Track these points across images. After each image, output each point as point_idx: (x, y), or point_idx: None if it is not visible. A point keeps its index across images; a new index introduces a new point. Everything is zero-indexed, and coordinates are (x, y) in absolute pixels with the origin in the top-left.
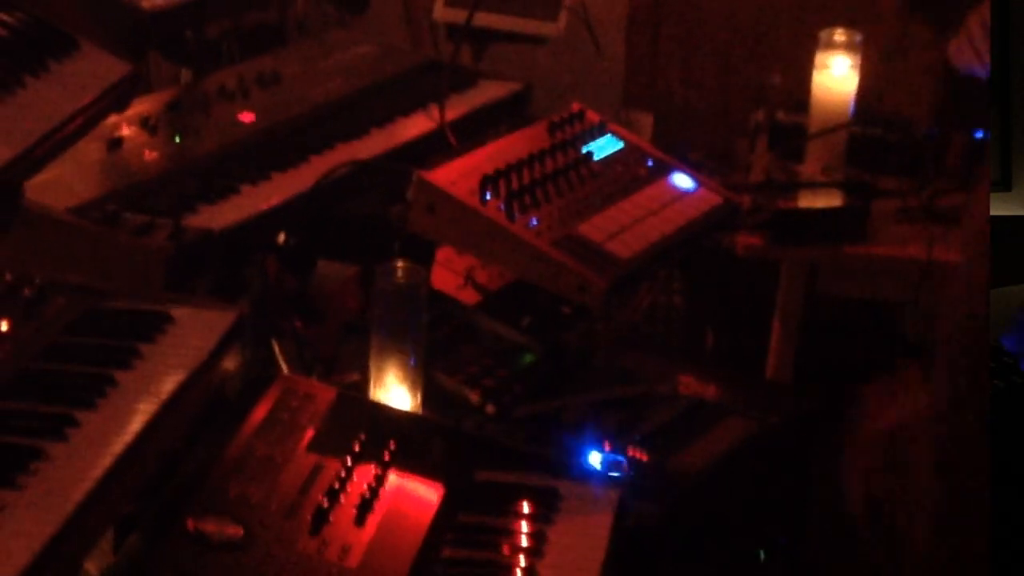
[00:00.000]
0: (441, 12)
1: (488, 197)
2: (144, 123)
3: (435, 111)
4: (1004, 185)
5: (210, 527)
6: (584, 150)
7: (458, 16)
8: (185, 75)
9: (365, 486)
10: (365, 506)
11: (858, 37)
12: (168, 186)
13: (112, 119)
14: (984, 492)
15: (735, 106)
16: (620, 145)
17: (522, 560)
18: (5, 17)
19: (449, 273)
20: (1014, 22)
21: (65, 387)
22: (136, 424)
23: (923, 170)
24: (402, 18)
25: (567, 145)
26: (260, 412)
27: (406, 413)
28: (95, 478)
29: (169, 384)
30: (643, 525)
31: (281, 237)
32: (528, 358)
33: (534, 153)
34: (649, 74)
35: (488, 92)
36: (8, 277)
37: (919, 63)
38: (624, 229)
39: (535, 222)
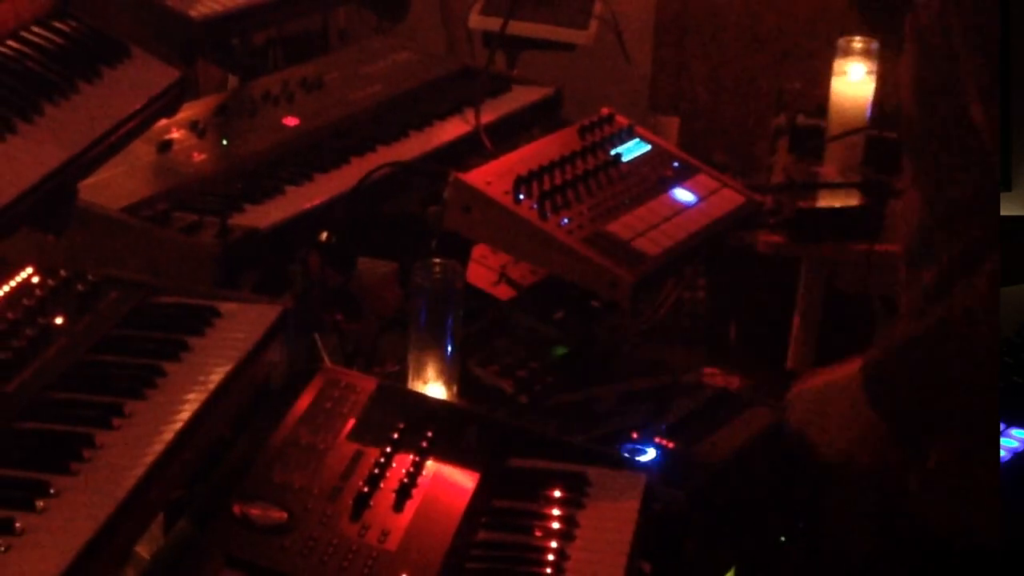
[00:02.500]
0: (477, 20)
1: (521, 197)
2: (193, 127)
3: (471, 115)
4: (1004, 185)
5: (256, 511)
6: (613, 152)
7: (493, 24)
8: (232, 81)
9: (404, 473)
10: (404, 492)
11: (874, 44)
12: (216, 186)
13: (162, 123)
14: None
15: (757, 110)
16: (647, 148)
17: (553, 543)
18: (61, 26)
19: (484, 269)
20: (1014, 22)
21: (117, 378)
22: (185, 413)
23: None
24: (439, 26)
25: (597, 148)
26: (303, 402)
27: (443, 403)
28: (146, 464)
29: (216, 375)
30: (669, 510)
31: (324, 235)
32: (559, 350)
33: (565, 155)
34: (675, 80)
35: (521, 97)
36: (63, 273)
37: None
38: (651, 228)
39: (566, 221)
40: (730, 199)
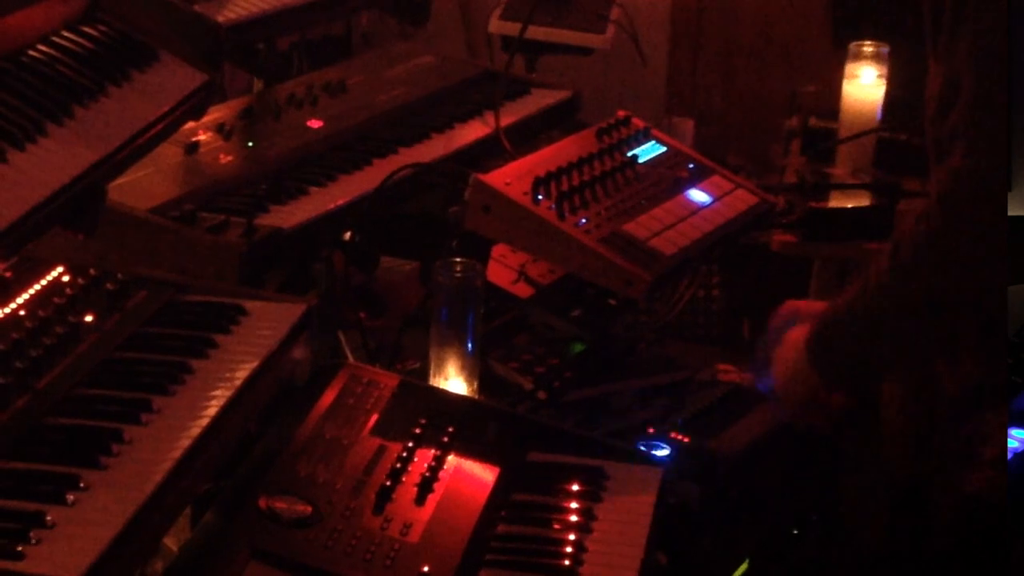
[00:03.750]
0: (496, 25)
1: (540, 198)
2: (219, 129)
3: (490, 118)
4: None
5: (281, 505)
6: (629, 154)
7: (512, 29)
8: (257, 84)
9: (425, 467)
10: (425, 486)
11: (885, 49)
12: (241, 187)
13: (189, 125)
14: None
15: (770, 113)
16: (663, 149)
17: (572, 536)
18: (90, 31)
19: (504, 268)
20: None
21: (146, 375)
22: (212, 409)
23: None
24: (460, 31)
25: (614, 149)
26: (327, 398)
27: (463, 398)
28: (174, 459)
29: (243, 372)
30: (685, 503)
31: (347, 235)
32: (577, 347)
33: (583, 157)
34: (690, 83)
35: (540, 100)
36: (93, 272)
37: None
38: (666, 227)
39: (584, 221)
40: (744, 199)
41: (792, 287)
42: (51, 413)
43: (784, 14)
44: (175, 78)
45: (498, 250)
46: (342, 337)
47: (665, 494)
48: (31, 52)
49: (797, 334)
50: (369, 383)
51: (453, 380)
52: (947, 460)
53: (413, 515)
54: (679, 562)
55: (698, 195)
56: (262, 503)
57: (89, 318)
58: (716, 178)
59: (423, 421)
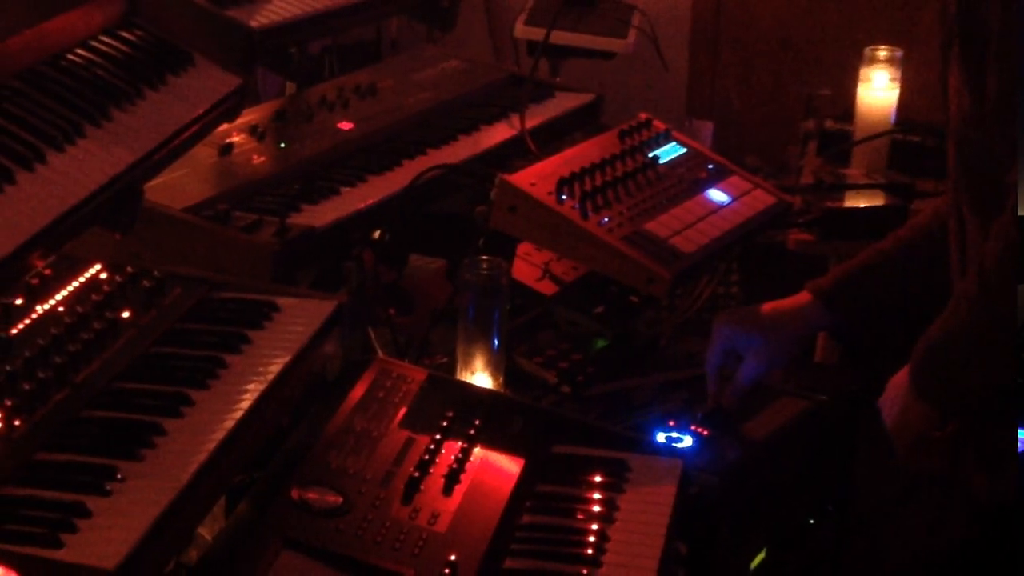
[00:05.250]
0: (521, 30)
1: (564, 198)
2: (252, 131)
3: (516, 120)
4: None
5: (312, 495)
6: (651, 155)
7: (537, 34)
8: (290, 87)
9: (452, 459)
10: (452, 477)
11: (899, 53)
12: (274, 188)
13: (223, 127)
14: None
15: (787, 116)
16: (683, 151)
17: (595, 525)
18: (128, 35)
19: (529, 266)
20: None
21: (181, 369)
22: (245, 402)
23: None
24: (486, 36)
25: (635, 151)
26: (358, 392)
27: (490, 392)
28: (208, 451)
29: (275, 366)
30: (704, 494)
31: (377, 234)
32: (600, 343)
33: (606, 158)
34: (710, 86)
35: (564, 103)
36: (130, 269)
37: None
38: (687, 226)
39: (607, 220)
40: (762, 199)
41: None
42: (89, 406)
43: (800, 20)
44: (209, 82)
45: (523, 248)
46: (372, 333)
47: (685, 485)
48: (70, 56)
49: (900, 377)
50: (398, 377)
51: (479, 374)
52: (961, 460)
53: (441, 505)
54: (699, 551)
55: (717, 195)
56: (294, 494)
57: (126, 314)
58: (734, 179)
59: (450, 414)
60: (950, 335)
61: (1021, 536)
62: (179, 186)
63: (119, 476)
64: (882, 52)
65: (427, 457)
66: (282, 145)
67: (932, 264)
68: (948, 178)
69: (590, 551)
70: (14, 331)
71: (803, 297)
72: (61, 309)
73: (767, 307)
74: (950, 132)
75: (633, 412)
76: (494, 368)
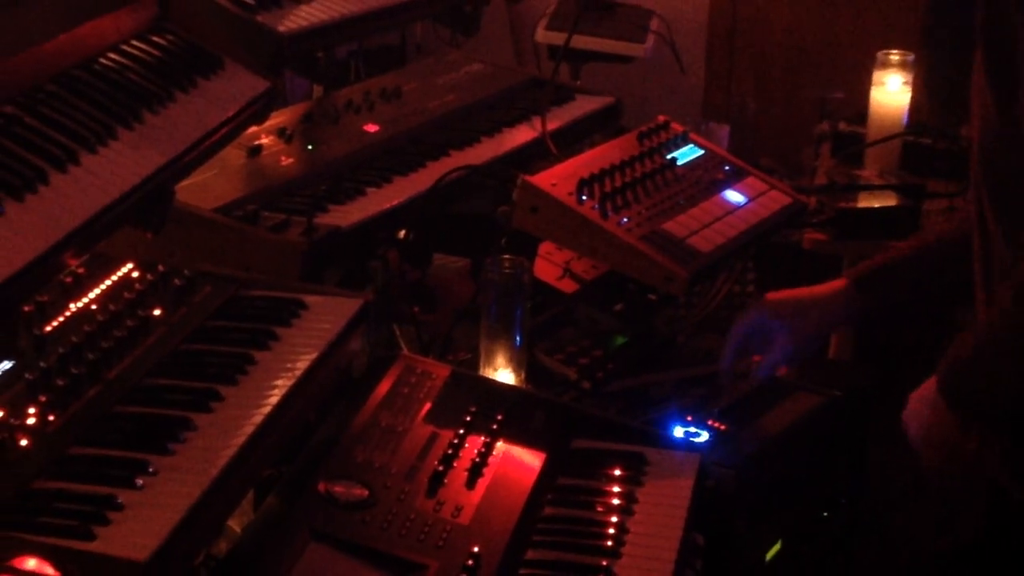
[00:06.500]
0: (543, 35)
1: (584, 198)
2: (281, 133)
3: (537, 122)
4: None
5: (339, 489)
6: (669, 157)
7: (558, 39)
8: (317, 91)
9: (475, 453)
10: (475, 471)
11: (910, 57)
12: (302, 188)
13: (252, 129)
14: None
15: (801, 118)
16: (700, 152)
17: (614, 518)
18: (159, 40)
19: (550, 265)
20: None
21: (211, 366)
22: (274, 398)
23: (968, 173)
24: (508, 40)
25: (654, 152)
26: (383, 388)
27: (512, 388)
28: (238, 445)
29: (302, 363)
30: (721, 487)
31: (402, 233)
32: (620, 340)
33: (625, 159)
34: (726, 90)
35: (584, 106)
36: (161, 268)
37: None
38: (704, 226)
39: (626, 220)
40: (777, 200)
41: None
42: (122, 402)
43: (815, 25)
44: (239, 85)
45: (544, 248)
46: (397, 330)
47: (702, 479)
48: (103, 60)
49: (923, 391)
50: (422, 374)
51: (502, 371)
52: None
53: (464, 498)
54: (715, 543)
55: (733, 196)
56: (321, 487)
57: (157, 312)
58: (750, 180)
59: (473, 409)
60: (984, 346)
61: None
62: (209, 187)
63: (150, 470)
64: (895, 56)
65: (451, 451)
66: (309, 147)
67: (967, 265)
68: (971, 187)
69: (610, 543)
70: (48, 328)
71: (839, 283)
72: (94, 307)
73: (799, 292)
74: (975, 142)
75: (651, 407)
76: (516, 364)
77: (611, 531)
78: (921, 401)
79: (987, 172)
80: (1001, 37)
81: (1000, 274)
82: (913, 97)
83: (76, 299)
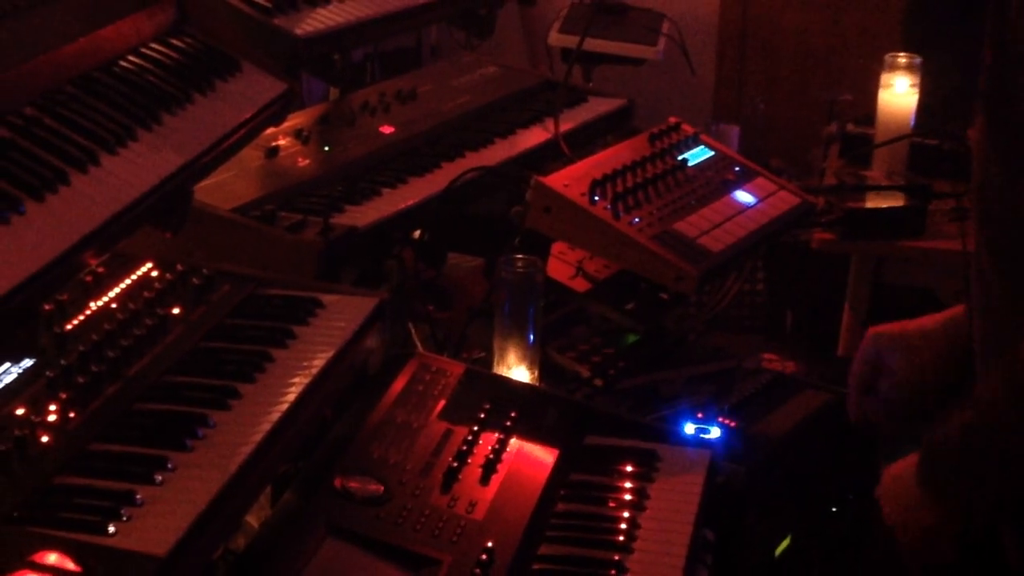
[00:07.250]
0: (556, 38)
1: (597, 198)
2: (298, 134)
3: (550, 124)
4: None
5: (354, 484)
6: (680, 158)
7: (570, 41)
8: (333, 93)
9: (489, 449)
10: (489, 467)
11: (917, 60)
12: (318, 189)
13: (270, 131)
14: None
15: (810, 120)
16: (711, 153)
17: (626, 513)
18: (178, 42)
19: (563, 264)
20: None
21: (229, 363)
22: (291, 395)
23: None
24: (522, 43)
25: (665, 154)
26: (398, 385)
27: (525, 385)
28: (255, 442)
29: (319, 361)
30: (731, 483)
31: (417, 233)
32: (631, 338)
33: (636, 160)
34: (736, 92)
35: (596, 107)
36: (179, 267)
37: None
38: (714, 226)
39: (637, 220)
40: (786, 200)
41: (831, 282)
42: (141, 399)
43: (824, 28)
44: (256, 87)
45: (557, 247)
46: (412, 328)
47: (713, 475)
48: (122, 63)
49: (898, 470)
50: (437, 371)
51: (515, 368)
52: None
53: (478, 494)
54: (726, 538)
55: (743, 196)
56: (337, 483)
57: (176, 310)
58: (760, 180)
59: (487, 406)
60: (971, 433)
61: None
62: (227, 187)
63: (169, 466)
64: (902, 59)
65: (465, 448)
66: (326, 148)
67: None
68: (975, 233)
69: (622, 538)
70: (69, 327)
71: (958, 308)
72: (114, 305)
73: (922, 320)
74: (976, 196)
75: (663, 404)
76: (529, 362)
77: (623, 526)
78: (897, 480)
79: (985, 219)
80: (1005, 104)
81: (998, 325)
82: (920, 99)
83: (96, 298)
